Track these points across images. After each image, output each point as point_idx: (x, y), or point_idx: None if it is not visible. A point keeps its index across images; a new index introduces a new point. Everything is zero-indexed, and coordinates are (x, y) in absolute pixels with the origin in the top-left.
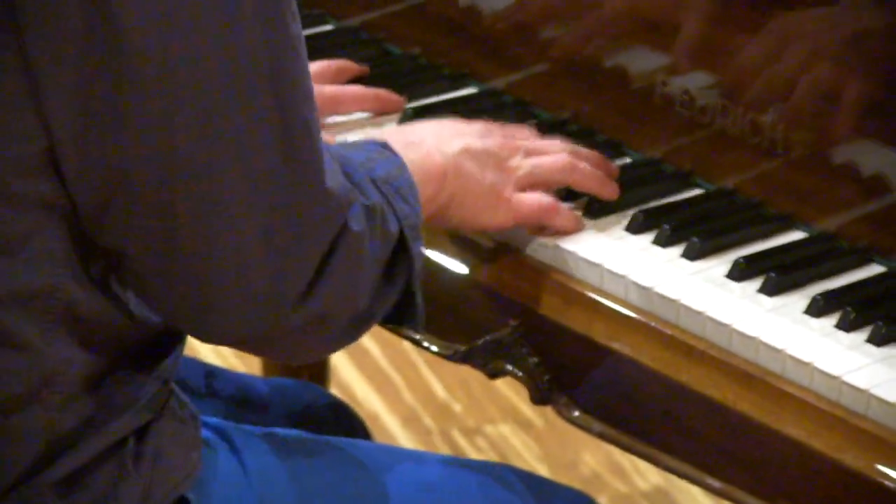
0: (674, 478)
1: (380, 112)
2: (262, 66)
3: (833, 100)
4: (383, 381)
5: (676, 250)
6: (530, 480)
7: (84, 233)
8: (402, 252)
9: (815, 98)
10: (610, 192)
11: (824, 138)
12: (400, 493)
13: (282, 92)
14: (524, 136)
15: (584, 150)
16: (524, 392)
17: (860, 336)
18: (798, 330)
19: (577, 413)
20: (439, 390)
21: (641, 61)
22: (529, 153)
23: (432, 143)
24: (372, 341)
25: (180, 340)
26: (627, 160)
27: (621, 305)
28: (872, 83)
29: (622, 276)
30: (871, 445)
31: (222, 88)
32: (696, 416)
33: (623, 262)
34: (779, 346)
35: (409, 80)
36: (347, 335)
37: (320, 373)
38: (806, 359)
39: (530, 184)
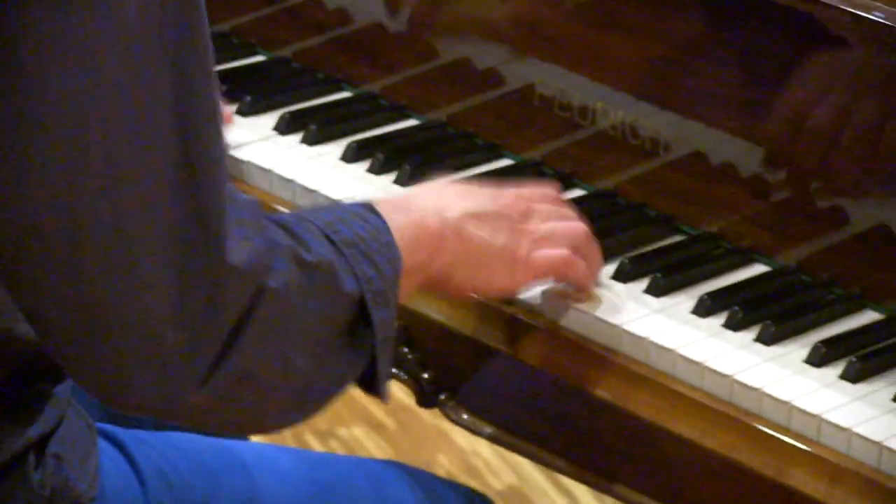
0: (528, 478)
1: None
2: (168, 119)
3: (706, 99)
4: None
5: None
6: (420, 477)
7: None
8: (365, 319)
9: (689, 97)
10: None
11: (701, 139)
12: (291, 493)
13: (190, 151)
14: (539, 198)
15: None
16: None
17: (748, 335)
18: (686, 330)
19: (465, 416)
20: None
21: (511, 62)
22: (544, 217)
23: (431, 208)
24: None
25: None
26: (507, 162)
27: (507, 308)
28: (744, 83)
29: None
30: (766, 444)
31: (127, 142)
32: (586, 417)
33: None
34: (669, 345)
35: (282, 84)
36: (297, 404)
37: None
38: (697, 358)
39: (546, 242)
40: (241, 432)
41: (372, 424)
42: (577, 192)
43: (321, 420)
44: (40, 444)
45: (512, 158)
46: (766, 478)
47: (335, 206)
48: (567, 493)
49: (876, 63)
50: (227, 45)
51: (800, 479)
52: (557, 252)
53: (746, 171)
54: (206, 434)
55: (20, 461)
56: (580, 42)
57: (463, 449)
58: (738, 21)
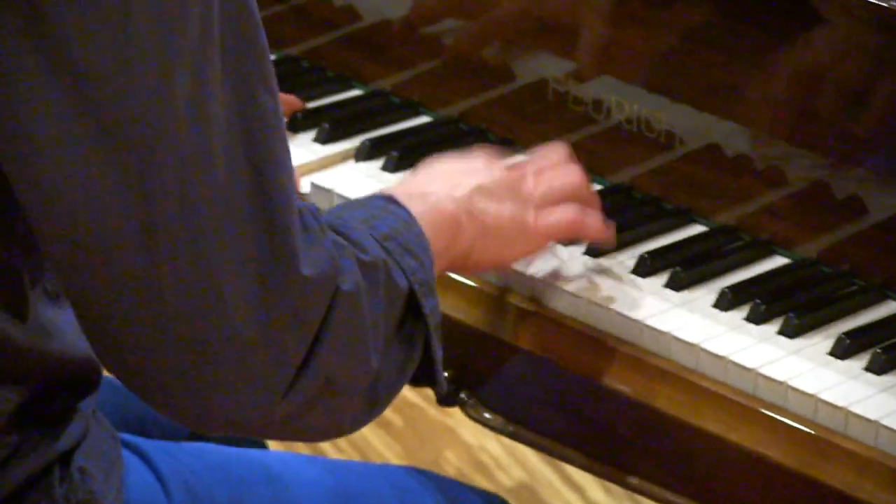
0: (536, 473)
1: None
2: (237, 136)
3: (721, 92)
4: None
5: (580, 248)
6: (441, 483)
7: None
8: (414, 311)
9: (704, 91)
10: (607, 237)
11: (718, 131)
12: (316, 502)
13: (255, 165)
14: (518, 158)
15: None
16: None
17: (771, 328)
18: (708, 324)
19: (487, 414)
20: None
21: (527, 58)
22: (537, 173)
23: (442, 191)
24: None
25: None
26: (521, 158)
27: (527, 304)
28: (759, 74)
29: (528, 276)
30: (790, 437)
31: (199, 162)
32: (609, 413)
33: (527, 261)
34: (692, 340)
35: (293, 83)
36: (369, 404)
37: None
38: (721, 352)
39: (549, 203)
40: (322, 438)
41: (379, 422)
42: (594, 187)
43: None
44: (65, 458)
45: (525, 154)
46: (792, 471)
47: (360, 203)
48: (576, 487)
49: (891, 50)
50: None
51: (827, 472)
52: (565, 215)
53: (762, 162)
54: (290, 440)
55: (45, 474)
56: (594, 36)
57: (470, 445)
58: (751, 11)
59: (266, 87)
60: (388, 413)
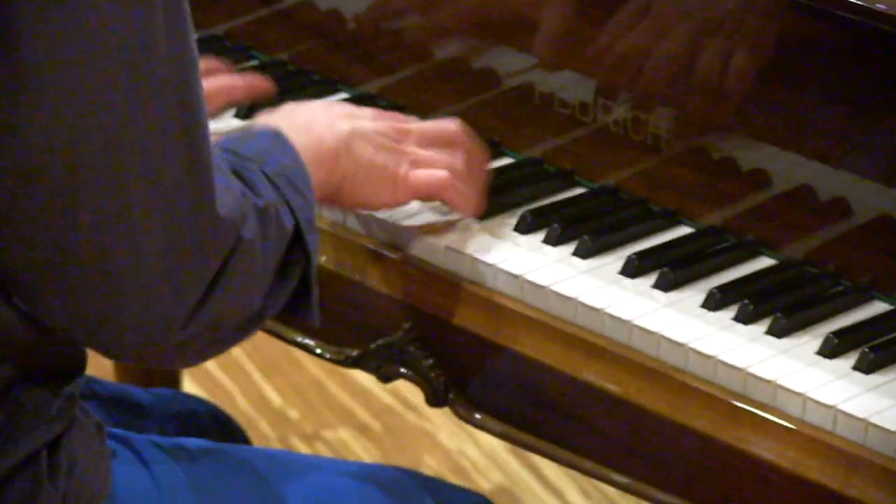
0: (516, 477)
1: (251, 100)
2: (169, 79)
3: (709, 95)
4: (216, 389)
5: (567, 249)
6: (426, 482)
7: None
8: (297, 246)
9: (691, 93)
10: (472, 212)
11: (704, 134)
12: (308, 500)
13: (187, 107)
14: (414, 122)
15: (474, 145)
16: (363, 396)
17: (759, 328)
18: (697, 324)
19: (476, 415)
20: (274, 397)
21: (513, 61)
22: (421, 141)
23: (323, 125)
24: None
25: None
26: (508, 160)
27: (517, 305)
28: (747, 78)
29: (517, 276)
30: (779, 436)
31: (129, 100)
32: (599, 413)
33: (516, 262)
34: (680, 340)
35: (280, 87)
36: (239, 336)
37: (173, 382)
38: (709, 352)
39: (425, 163)
40: (199, 362)
41: (358, 427)
42: (579, 190)
43: (306, 423)
44: (52, 447)
45: (512, 157)
46: (782, 469)
47: (251, 135)
48: (555, 491)
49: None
50: (222, 49)
51: (817, 470)
52: (434, 173)
53: (747, 164)
54: (170, 366)
55: (32, 463)
56: (580, 39)
57: (449, 450)
58: (735, 13)
59: (191, 31)
60: (367, 418)
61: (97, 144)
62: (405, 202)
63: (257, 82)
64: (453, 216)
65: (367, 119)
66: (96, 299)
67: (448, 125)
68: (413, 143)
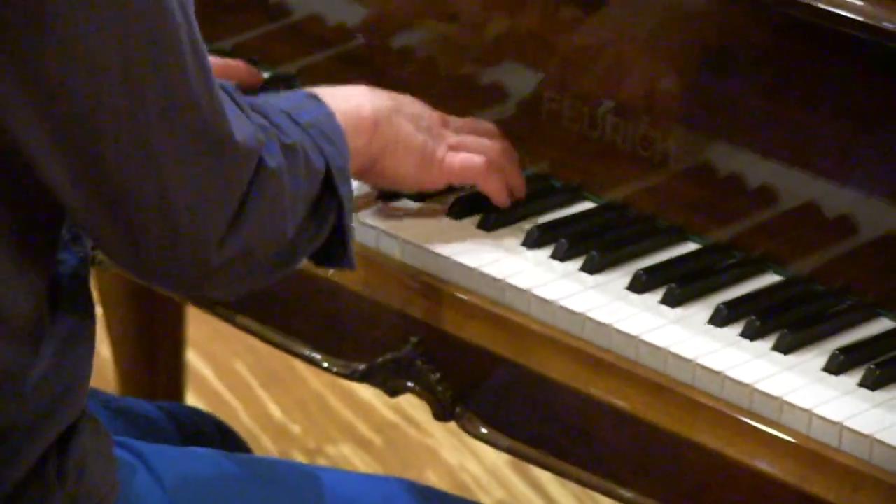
0: (518, 493)
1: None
2: (181, 23)
3: (717, 112)
4: (219, 403)
5: (575, 264)
6: (430, 494)
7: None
8: (329, 192)
9: (699, 110)
10: (504, 201)
11: (711, 150)
12: None
13: (196, 43)
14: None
15: (509, 145)
16: (365, 411)
17: (766, 344)
18: (704, 340)
19: (483, 429)
20: (276, 412)
21: (522, 76)
22: (460, 129)
23: (364, 97)
24: (205, 364)
25: (91, 336)
26: None
27: (525, 320)
28: (754, 95)
29: (525, 291)
30: (785, 451)
31: (146, 44)
32: (606, 428)
33: (524, 277)
34: (688, 356)
35: None
36: (274, 270)
37: (177, 396)
38: (717, 368)
39: (461, 149)
40: (230, 295)
41: (360, 441)
42: (587, 205)
43: (308, 438)
44: (61, 450)
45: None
46: (788, 485)
47: (284, 96)
48: None
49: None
50: None
51: (823, 486)
52: (472, 158)
53: (754, 181)
54: (215, 295)
55: (42, 468)
56: (589, 56)
57: (451, 465)
58: (742, 32)
59: None
60: (369, 433)
61: (116, 83)
62: (440, 185)
63: (245, 68)
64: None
65: (410, 101)
66: (127, 227)
67: (485, 123)
68: (453, 129)
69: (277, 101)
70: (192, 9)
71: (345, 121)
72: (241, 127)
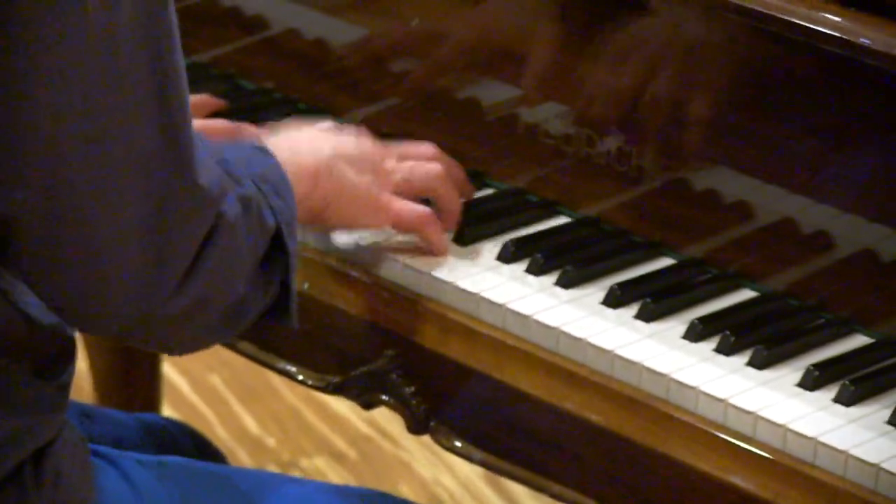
0: None
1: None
2: (141, 49)
3: (693, 128)
4: (194, 416)
5: (550, 278)
6: None
7: None
8: (278, 248)
9: (675, 126)
10: (442, 252)
11: (686, 166)
12: None
13: (161, 77)
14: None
15: (450, 161)
16: (340, 424)
17: (740, 360)
18: (678, 355)
19: (457, 443)
20: (252, 425)
21: (497, 92)
22: (403, 157)
23: (305, 145)
24: (181, 377)
25: (73, 352)
26: (490, 191)
27: (500, 334)
28: (730, 111)
29: (500, 305)
30: (759, 467)
31: (104, 71)
32: (580, 442)
33: (499, 291)
34: (662, 370)
35: (266, 115)
36: (226, 327)
37: (153, 409)
38: (691, 383)
39: (405, 189)
40: (182, 352)
41: (334, 455)
42: (563, 220)
43: (283, 451)
44: (37, 457)
45: (496, 186)
46: (763, 500)
47: (234, 146)
48: None
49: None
50: (208, 77)
51: (797, 502)
52: (415, 208)
53: (729, 196)
54: (156, 349)
55: (17, 475)
56: (565, 71)
57: (425, 479)
58: (717, 47)
59: (169, 6)
60: (343, 446)
61: (76, 115)
62: (386, 226)
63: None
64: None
65: (349, 140)
66: (81, 270)
67: (424, 145)
68: (394, 159)
69: (230, 149)
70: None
71: (287, 170)
72: (207, 172)
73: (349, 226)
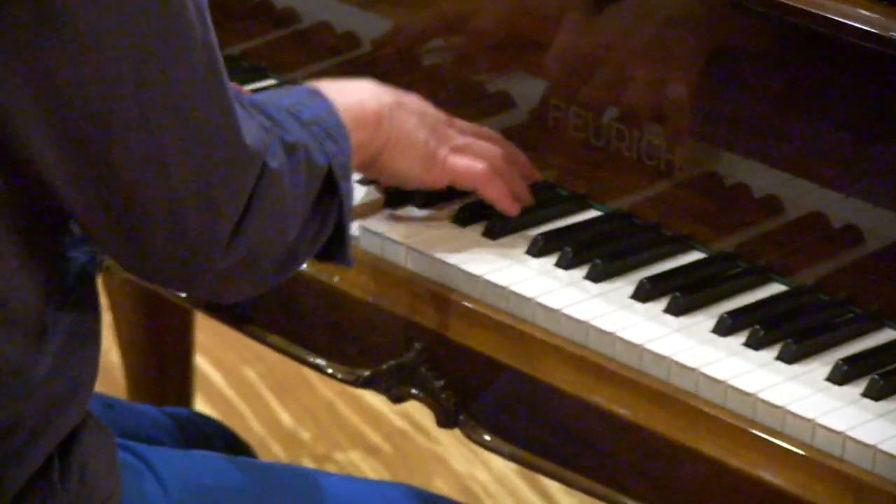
0: (526, 502)
1: None
2: (193, 19)
3: (723, 122)
4: (229, 410)
5: (579, 272)
6: (431, 500)
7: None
8: (330, 190)
9: (705, 120)
10: (512, 209)
11: (717, 160)
12: None
13: (209, 44)
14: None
15: (511, 146)
16: (374, 418)
17: (769, 354)
18: (708, 349)
19: (486, 436)
20: (286, 419)
21: (528, 84)
22: (464, 132)
23: (368, 92)
24: (215, 371)
25: (97, 335)
26: None
27: (529, 328)
28: (759, 106)
29: (529, 299)
30: (788, 461)
31: (157, 38)
32: (609, 436)
33: (528, 285)
34: (691, 364)
35: None
36: (277, 272)
37: (186, 402)
38: (720, 377)
39: (464, 152)
40: (242, 297)
41: (368, 449)
42: (592, 214)
43: (317, 445)
44: (63, 451)
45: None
46: (790, 495)
47: (286, 92)
48: None
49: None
50: (238, 69)
51: (825, 496)
52: (475, 163)
53: (759, 190)
54: (215, 299)
55: (45, 470)
56: (596, 64)
57: (460, 473)
58: (748, 43)
59: None
60: (378, 440)
61: (128, 84)
62: (441, 184)
63: None
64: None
65: (416, 100)
66: (133, 229)
67: (489, 130)
68: (457, 129)
69: (279, 97)
70: (207, 12)
71: (348, 116)
72: (249, 130)
73: (404, 176)
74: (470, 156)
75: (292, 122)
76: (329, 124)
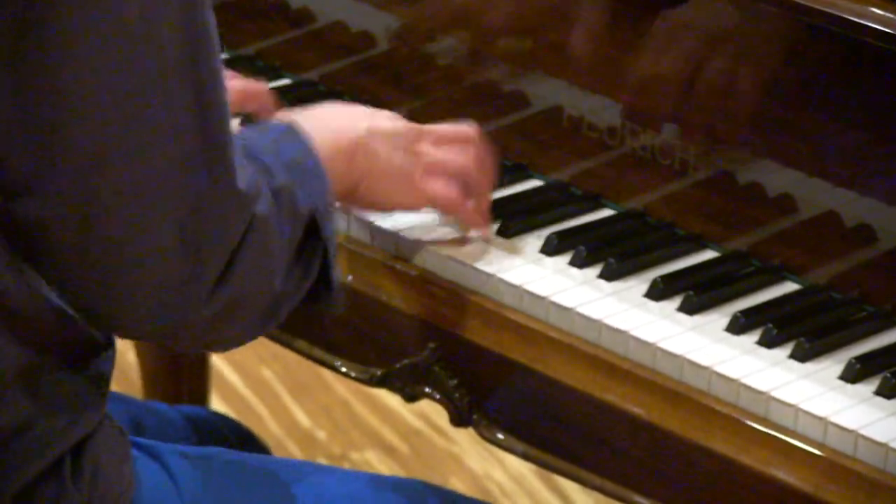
0: (542, 501)
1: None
2: (180, 54)
3: (736, 121)
4: (245, 410)
5: (593, 271)
6: (445, 495)
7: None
8: (314, 235)
9: (719, 119)
10: (484, 232)
11: (730, 159)
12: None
13: (199, 79)
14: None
15: (485, 147)
16: (390, 418)
17: (782, 352)
18: (721, 347)
19: (500, 435)
20: (303, 418)
21: (541, 85)
22: (438, 141)
23: (341, 122)
24: (232, 370)
25: (112, 340)
26: (533, 184)
27: (542, 327)
28: (773, 104)
29: (542, 298)
30: (800, 459)
31: (142, 76)
32: (622, 435)
33: (542, 284)
34: (704, 363)
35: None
36: (264, 320)
37: (201, 401)
38: (733, 375)
39: (437, 172)
40: (226, 349)
41: (385, 448)
42: (606, 212)
43: (334, 444)
44: (76, 451)
45: (539, 179)
46: (803, 493)
47: (264, 129)
48: None
49: None
50: (253, 68)
51: (837, 495)
52: (446, 190)
53: (773, 189)
54: (197, 350)
55: (57, 467)
56: (609, 63)
57: (476, 472)
58: (763, 40)
59: (207, 8)
60: (394, 440)
61: (116, 120)
62: (417, 208)
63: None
64: (473, 233)
65: (385, 118)
66: (114, 274)
67: (464, 127)
68: (429, 143)
69: (260, 136)
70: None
71: (324, 149)
72: (244, 174)
73: (382, 205)
74: (444, 178)
75: (276, 164)
76: (308, 164)
